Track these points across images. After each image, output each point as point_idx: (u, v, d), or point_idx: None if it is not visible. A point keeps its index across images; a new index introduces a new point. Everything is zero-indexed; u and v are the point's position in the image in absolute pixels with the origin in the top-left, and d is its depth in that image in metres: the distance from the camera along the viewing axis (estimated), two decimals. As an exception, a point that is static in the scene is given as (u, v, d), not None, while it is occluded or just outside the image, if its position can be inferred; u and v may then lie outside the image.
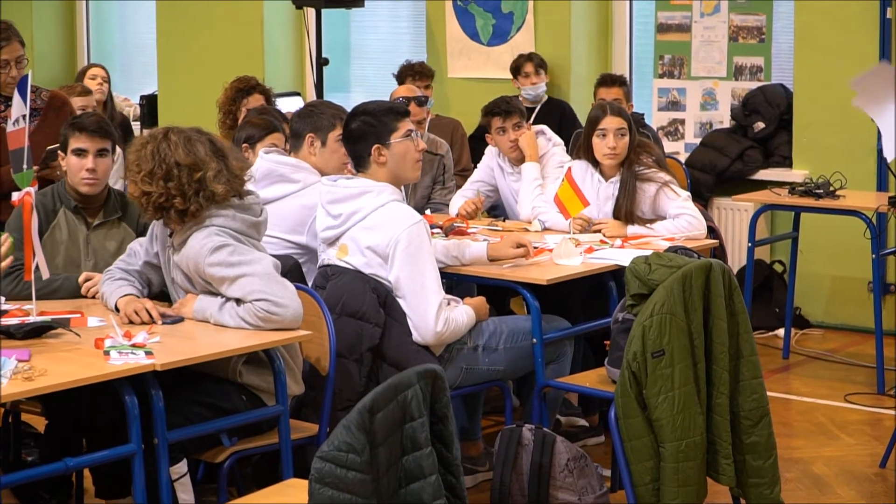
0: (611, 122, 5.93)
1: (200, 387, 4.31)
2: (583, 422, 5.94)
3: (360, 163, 4.96)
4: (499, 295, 5.95)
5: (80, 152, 4.87)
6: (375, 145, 4.91)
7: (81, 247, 4.89)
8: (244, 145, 5.89)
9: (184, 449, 4.25)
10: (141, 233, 4.83)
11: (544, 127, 6.66)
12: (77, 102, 6.78)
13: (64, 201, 4.91)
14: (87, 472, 4.82)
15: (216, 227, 4.31)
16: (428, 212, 6.52)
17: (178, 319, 4.34)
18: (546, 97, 8.40)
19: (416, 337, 4.86)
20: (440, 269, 5.03)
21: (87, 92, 7.63)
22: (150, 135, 4.41)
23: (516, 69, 8.41)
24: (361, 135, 4.92)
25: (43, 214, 4.84)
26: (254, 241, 4.39)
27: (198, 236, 4.30)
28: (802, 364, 7.35)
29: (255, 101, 6.92)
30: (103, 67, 8.90)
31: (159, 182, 4.31)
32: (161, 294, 4.61)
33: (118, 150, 7.18)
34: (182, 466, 4.26)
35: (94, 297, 4.66)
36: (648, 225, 5.88)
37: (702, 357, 4.44)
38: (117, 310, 4.42)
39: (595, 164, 6.03)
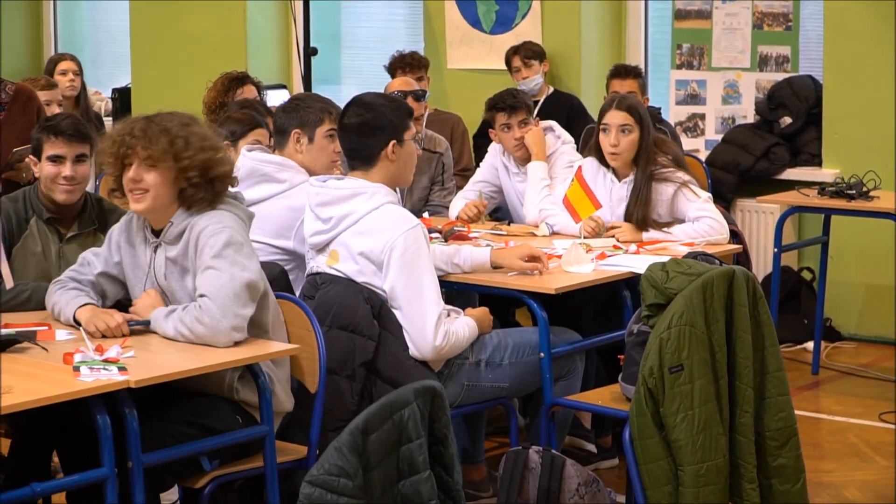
0: (613, 118, 5.93)
1: (192, 405, 4.31)
2: (591, 447, 5.92)
3: (366, 159, 4.93)
4: (503, 305, 5.95)
5: (56, 159, 4.85)
6: (393, 140, 4.91)
7: (53, 260, 4.88)
8: (225, 142, 5.89)
9: (170, 472, 4.24)
10: None
11: (553, 123, 6.67)
12: (41, 97, 6.78)
13: (36, 210, 4.90)
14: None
15: (233, 215, 4.34)
16: (426, 215, 6.53)
17: (146, 322, 4.32)
18: (552, 90, 8.39)
19: (413, 351, 4.86)
20: (439, 277, 5.04)
21: (52, 85, 7.62)
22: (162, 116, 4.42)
23: (507, 63, 8.40)
24: (379, 127, 4.90)
25: (15, 222, 4.84)
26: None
27: (214, 214, 4.32)
28: (833, 380, 7.35)
29: (249, 91, 6.92)
30: (75, 59, 8.84)
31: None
32: (117, 306, 4.59)
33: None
34: (173, 493, 4.25)
35: None
36: (666, 229, 5.88)
37: (724, 372, 4.44)
38: (76, 322, 4.40)
39: (607, 163, 6.03)
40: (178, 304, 4.35)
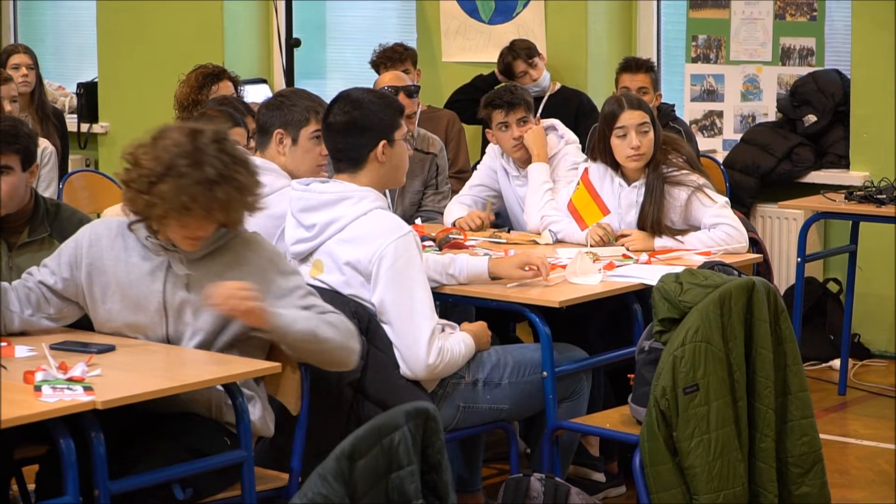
0: (630, 118, 5.93)
1: (186, 427, 4.31)
2: (599, 476, 5.92)
3: (353, 161, 4.93)
4: (502, 319, 5.96)
5: None
6: (383, 140, 4.92)
7: (3, 271, 4.85)
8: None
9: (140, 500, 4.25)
10: None
11: (555, 122, 6.66)
12: None
13: None
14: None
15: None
16: (418, 221, 6.53)
17: (110, 348, 4.32)
18: (559, 86, 8.38)
19: (404, 370, 4.87)
20: (433, 289, 5.05)
21: (6, 80, 7.60)
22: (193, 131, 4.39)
23: (507, 71, 8.32)
24: (367, 126, 4.91)
25: None
26: None
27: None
28: (861, 401, 7.36)
29: (226, 88, 6.92)
30: (29, 52, 8.79)
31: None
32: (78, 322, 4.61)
33: (50, 149, 7.21)
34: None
35: None
36: (679, 237, 5.90)
37: (743, 393, 4.45)
38: None
39: (615, 166, 6.04)
40: (181, 320, 4.38)
